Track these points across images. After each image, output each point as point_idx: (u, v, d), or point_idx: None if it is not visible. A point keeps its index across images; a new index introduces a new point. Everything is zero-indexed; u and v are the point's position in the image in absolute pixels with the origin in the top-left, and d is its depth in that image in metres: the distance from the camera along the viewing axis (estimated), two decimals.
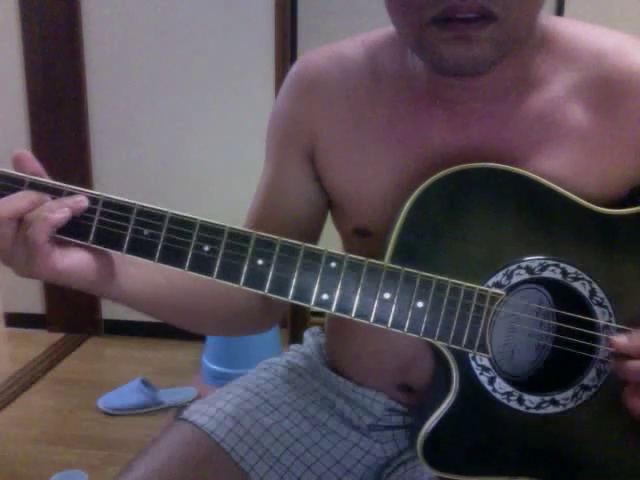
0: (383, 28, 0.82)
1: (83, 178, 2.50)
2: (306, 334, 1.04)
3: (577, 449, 0.73)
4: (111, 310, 2.66)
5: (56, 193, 0.64)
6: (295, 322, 1.28)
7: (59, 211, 0.62)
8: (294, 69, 0.86)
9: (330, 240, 0.88)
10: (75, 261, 0.65)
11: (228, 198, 2.40)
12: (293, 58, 2.37)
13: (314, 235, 0.89)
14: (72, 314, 2.68)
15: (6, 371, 2.40)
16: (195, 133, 2.49)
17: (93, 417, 2.13)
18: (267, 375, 0.96)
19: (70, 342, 2.65)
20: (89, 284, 0.68)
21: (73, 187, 0.65)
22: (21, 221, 0.63)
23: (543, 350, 0.77)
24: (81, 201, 0.64)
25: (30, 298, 2.70)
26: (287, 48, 2.37)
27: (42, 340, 2.64)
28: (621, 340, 0.67)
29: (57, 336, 2.68)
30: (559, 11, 2.21)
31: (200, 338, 2.36)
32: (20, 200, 0.63)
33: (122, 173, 2.54)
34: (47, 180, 0.65)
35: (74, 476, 1.80)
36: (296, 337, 1.20)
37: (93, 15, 2.43)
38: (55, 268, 0.64)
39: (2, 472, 1.86)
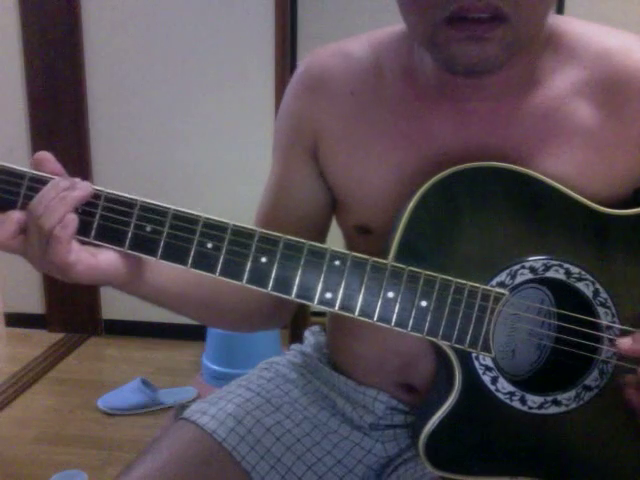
0: (388, 27, 0.82)
1: (83, 178, 2.48)
2: (307, 333, 1.04)
3: (579, 449, 0.73)
4: (111, 310, 2.66)
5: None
6: (295, 322, 1.28)
7: (70, 224, 0.63)
8: (301, 67, 0.86)
9: (332, 238, 0.88)
10: (109, 259, 0.65)
11: (227, 197, 2.40)
12: (293, 58, 2.38)
13: (322, 232, 0.89)
14: (72, 314, 2.68)
15: (6, 371, 2.40)
16: (195, 133, 2.49)
17: (93, 417, 2.13)
18: (268, 375, 0.96)
19: (70, 342, 2.65)
20: (125, 281, 0.68)
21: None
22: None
23: (544, 350, 0.77)
24: (83, 194, 0.65)
25: (30, 298, 2.70)
26: (287, 48, 2.37)
27: (42, 340, 2.64)
28: (625, 342, 0.67)
29: (57, 336, 2.68)
30: (559, 11, 2.21)
31: (200, 338, 2.37)
32: (5, 226, 0.64)
33: (122, 173, 2.54)
34: (49, 175, 0.65)
35: (74, 476, 1.80)
36: (296, 337, 1.19)
37: (93, 15, 2.43)
38: (91, 270, 0.64)
39: (2, 472, 1.86)
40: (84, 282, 0.66)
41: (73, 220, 0.63)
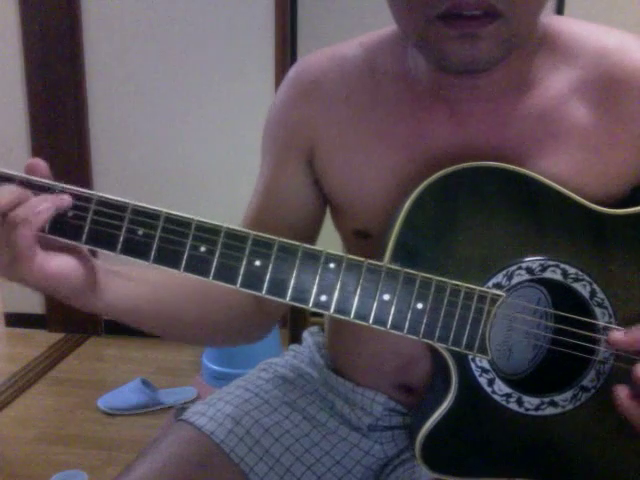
0: (380, 29, 0.82)
1: (83, 178, 2.50)
2: (305, 334, 1.04)
3: (576, 450, 0.73)
4: None
5: (47, 192, 0.62)
6: (295, 322, 1.28)
7: (43, 211, 0.61)
8: (292, 72, 0.85)
9: (330, 241, 0.88)
10: (61, 265, 0.63)
11: (227, 198, 2.40)
12: (293, 58, 2.37)
13: (311, 238, 0.88)
14: (72, 314, 2.68)
15: (6, 371, 2.40)
16: (195, 133, 2.49)
17: (93, 417, 2.13)
18: (267, 375, 0.95)
19: (70, 342, 2.65)
20: (72, 291, 0.66)
21: (65, 185, 0.63)
22: (4, 218, 0.61)
23: (540, 350, 0.77)
24: (63, 199, 0.62)
25: (30, 298, 2.70)
26: (287, 48, 2.37)
27: (42, 340, 2.65)
28: (618, 335, 0.67)
29: (57, 336, 2.68)
30: (559, 11, 2.21)
31: None
32: (1, 195, 0.61)
33: (122, 173, 2.54)
34: (38, 179, 0.63)
35: (74, 476, 1.80)
36: (296, 337, 1.19)
37: (93, 15, 2.43)
38: (42, 271, 0.62)
39: (2, 472, 1.86)
40: (31, 284, 0.64)
41: (47, 209, 0.61)
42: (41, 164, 0.64)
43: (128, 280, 0.73)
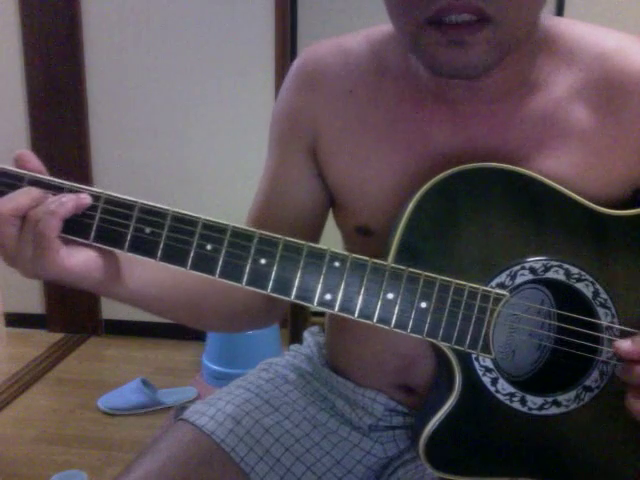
0: (385, 25, 0.81)
1: (83, 178, 2.49)
2: (306, 334, 1.03)
3: (579, 450, 0.73)
4: (111, 310, 2.66)
5: (57, 190, 0.64)
6: (295, 322, 1.28)
7: (67, 202, 0.62)
8: (297, 62, 0.85)
9: (331, 239, 0.88)
10: (83, 258, 0.64)
11: (228, 197, 2.40)
12: (293, 57, 2.37)
13: (316, 233, 0.88)
14: (72, 314, 2.68)
15: (6, 371, 2.40)
16: (195, 132, 2.49)
17: (93, 417, 2.13)
18: (267, 375, 0.95)
19: (70, 342, 2.65)
20: (96, 283, 0.67)
21: (74, 184, 0.64)
22: (24, 218, 0.62)
23: (544, 350, 0.77)
24: (84, 198, 0.63)
25: (30, 298, 2.70)
26: (287, 47, 2.37)
27: (42, 340, 2.65)
28: (625, 344, 0.66)
29: (57, 336, 2.68)
30: (559, 11, 2.21)
31: (200, 338, 2.37)
32: (21, 197, 0.62)
33: (122, 173, 2.54)
34: (48, 177, 0.64)
35: (74, 476, 1.80)
36: (296, 337, 1.19)
37: (93, 15, 2.43)
38: (63, 265, 0.63)
39: (2, 472, 1.86)
40: (51, 277, 0.64)
41: (71, 200, 0.62)
42: (30, 155, 0.65)
43: (150, 268, 0.73)
